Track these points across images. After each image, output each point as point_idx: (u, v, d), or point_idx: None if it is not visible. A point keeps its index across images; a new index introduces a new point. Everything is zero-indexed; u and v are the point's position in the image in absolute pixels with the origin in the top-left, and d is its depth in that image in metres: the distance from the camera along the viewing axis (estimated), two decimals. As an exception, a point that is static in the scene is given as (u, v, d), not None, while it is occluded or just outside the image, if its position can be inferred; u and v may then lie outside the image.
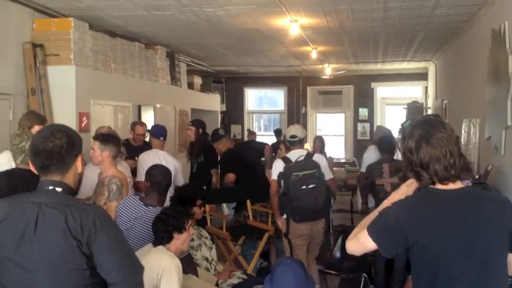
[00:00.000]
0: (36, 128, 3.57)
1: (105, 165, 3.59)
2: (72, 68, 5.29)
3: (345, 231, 4.75)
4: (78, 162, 1.87)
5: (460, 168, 1.76)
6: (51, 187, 1.78)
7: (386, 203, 1.91)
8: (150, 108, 7.16)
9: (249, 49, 8.24)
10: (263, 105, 13.43)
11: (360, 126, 11.93)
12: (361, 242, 1.80)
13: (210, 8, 5.27)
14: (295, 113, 12.23)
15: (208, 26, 6.15)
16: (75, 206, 1.76)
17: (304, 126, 11.73)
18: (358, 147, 10.94)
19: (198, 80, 9.60)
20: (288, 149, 4.98)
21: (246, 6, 5.21)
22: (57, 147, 1.78)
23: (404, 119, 9.63)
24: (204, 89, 9.98)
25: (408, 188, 1.91)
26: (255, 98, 13.22)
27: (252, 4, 5.13)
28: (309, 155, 4.57)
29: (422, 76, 11.00)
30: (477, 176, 4.27)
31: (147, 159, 4.65)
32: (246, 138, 11.50)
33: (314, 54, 8.22)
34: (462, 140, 5.61)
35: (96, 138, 3.79)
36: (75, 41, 5.36)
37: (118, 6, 5.18)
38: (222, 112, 11.10)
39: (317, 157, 4.61)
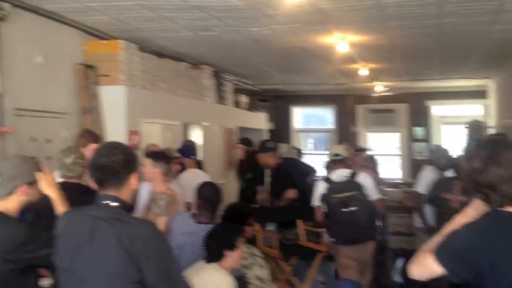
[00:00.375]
0: (91, 146, 3.66)
1: (156, 182, 3.66)
2: (122, 88, 5.42)
3: (404, 255, 4.57)
4: (134, 179, 1.94)
5: None
6: (107, 201, 1.87)
7: (451, 226, 1.81)
8: (197, 126, 7.23)
9: (296, 67, 8.17)
10: (311, 123, 13.25)
11: (415, 145, 11.50)
12: (426, 267, 1.71)
13: (255, 27, 5.25)
14: (345, 132, 11.96)
15: (253, 45, 6.15)
16: (127, 221, 1.83)
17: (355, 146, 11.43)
18: (414, 167, 10.50)
19: (244, 99, 9.64)
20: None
21: (291, 24, 5.14)
22: (114, 163, 1.87)
23: (464, 139, 9.21)
24: (251, 107, 10.01)
25: (474, 210, 1.79)
26: (302, 117, 13.05)
27: (298, 22, 5.06)
28: (353, 175, 4.41)
29: (481, 94, 10.48)
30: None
31: (186, 180, 4.68)
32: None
33: (363, 72, 8.04)
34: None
35: (147, 155, 3.88)
36: (124, 62, 5.49)
37: (164, 27, 5.27)
38: (269, 131, 11.07)
39: (361, 177, 4.44)
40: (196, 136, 7.12)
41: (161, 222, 3.37)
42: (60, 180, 3.24)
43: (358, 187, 4.31)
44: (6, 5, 4.20)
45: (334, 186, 4.38)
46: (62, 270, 1.87)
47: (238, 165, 7.23)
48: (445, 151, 5.49)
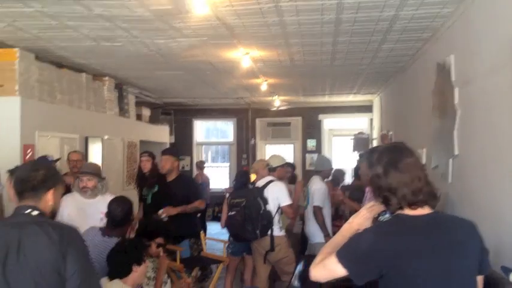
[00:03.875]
0: None
1: None
2: (17, 99, 5.16)
3: (305, 260, 4.81)
4: (50, 195, 2.10)
5: (427, 193, 1.79)
6: (28, 211, 2.02)
7: (346, 227, 1.92)
8: (97, 139, 6.98)
9: (199, 81, 8.24)
10: (212, 137, 13.44)
11: (308, 156, 12.14)
12: (329, 269, 1.77)
13: (161, 39, 5.25)
14: (245, 144, 12.30)
15: (158, 57, 6.13)
16: (52, 223, 2.04)
17: (254, 157, 11.81)
18: (307, 177, 11.04)
19: (146, 112, 9.50)
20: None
21: (198, 38, 5.23)
22: (32, 178, 2.06)
23: (350, 150, 9.97)
24: (153, 120, 9.88)
25: (368, 211, 1.92)
26: (203, 130, 13.21)
27: (204, 36, 5.16)
28: (267, 184, 4.88)
29: (367, 108, 11.39)
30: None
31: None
32: (194, 170, 11.37)
33: (264, 87, 8.36)
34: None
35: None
36: (20, 72, 5.22)
37: (65, 37, 5.07)
38: (170, 144, 10.98)
39: (273, 185, 4.87)
40: (97, 149, 6.87)
41: None
42: None
43: (250, 196, 4.75)
44: None
45: (238, 191, 4.92)
46: None
47: (138, 179, 7.06)
48: (329, 161, 5.99)
